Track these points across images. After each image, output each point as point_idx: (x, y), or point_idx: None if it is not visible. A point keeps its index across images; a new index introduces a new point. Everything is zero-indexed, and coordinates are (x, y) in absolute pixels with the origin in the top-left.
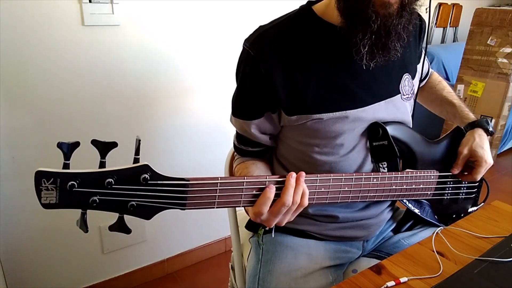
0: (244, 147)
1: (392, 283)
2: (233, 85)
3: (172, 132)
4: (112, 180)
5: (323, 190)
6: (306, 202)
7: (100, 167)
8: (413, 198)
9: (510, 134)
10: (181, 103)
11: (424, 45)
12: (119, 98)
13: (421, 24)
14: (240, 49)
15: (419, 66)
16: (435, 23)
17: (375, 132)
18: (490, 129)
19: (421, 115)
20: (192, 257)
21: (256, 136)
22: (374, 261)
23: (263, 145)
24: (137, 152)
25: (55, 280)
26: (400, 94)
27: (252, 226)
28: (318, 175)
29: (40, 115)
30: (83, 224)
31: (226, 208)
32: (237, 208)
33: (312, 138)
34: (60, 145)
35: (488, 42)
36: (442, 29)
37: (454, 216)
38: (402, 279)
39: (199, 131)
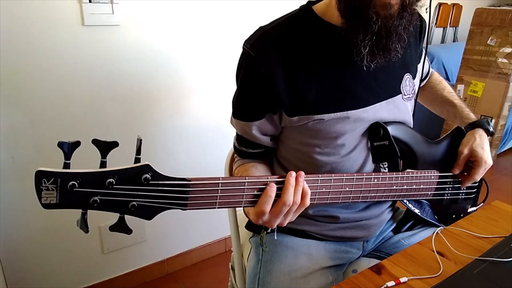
0: (245, 148)
1: (392, 283)
2: (233, 86)
3: (172, 132)
4: (113, 180)
5: (324, 190)
6: (307, 202)
7: (101, 167)
8: (413, 198)
9: (510, 134)
10: (181, 103)
11: (424, 45)
12: (119, 98)
13: (421, 24)
14: (240, 49)
15: (419, 66)
16: (435, 23)
17: (376, 132)
18: (491, 129)
19: (421, 115)
20: (192, 257)
21: (257, 138)
22: (374, 261)
23: (264, 147)
24: (138, 151)
25: (55, 280)
26: (401, 94)
27: (252, 226)
28: (319, 175)
29: (40, 115)
30: (84, 224)
31: (227, 209)
32: (237, 208)
33: (313, 138)
34: (60, 145)
35: (488, 42)
36: (442, 29)
37: (454, 216)
38: (402, 279)
39: (199, 131)
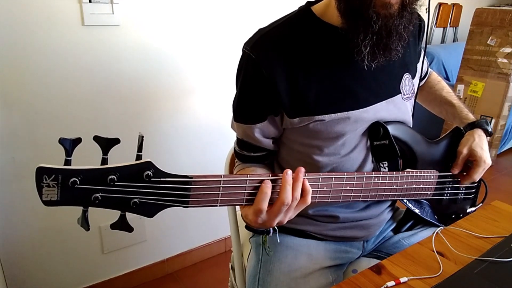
0: (246, 152)
1: (392, 283)
2: (233, 85)
3: (172, 132)
4: (114, 177)
5: (325, 189)
6: (309, 200)
7: (102, 164)
8: (413, 198)
9: (510, 134)
10: (181, 103)
11: (423, 44)
12: (119, 98)
13: (420, 24)
14: (240, 48)
15: (419, 65)
16: (435, 23)
17: (376, 131)
18: (490, 129)
19: (421, 115)
20: (192, 257)
21: (259, 141)
22: (374, 261)
23: (265, 150)
24: (139, 149)
25: (55, 280)
26: (400, 94)
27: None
28: (320, 174)
29: (40, 115)
30: (85, 222)
31: (227, 208)
32: (237, 208)
33: (314, 139)
34: (62, 141)
35: (488, 42)
36: (442, 29)
37: (453, 216)
38: (402, 279)
39: (199, 131)
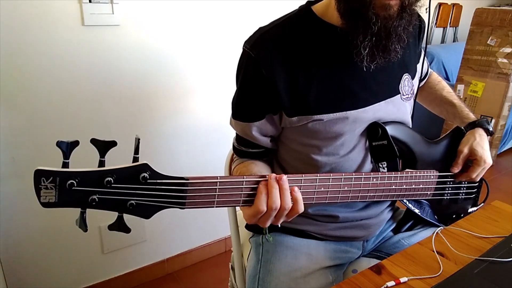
0: (244, 148)
1: (392, 283)
2: (233, 86)
3: (172, 132)
4: (111, 179)
5: (322, 189)
6: (300, 209)
7: (99, 166)
8: (413, 198)
9: (510, 134)
10: (181, 104)
11: (423, 45)
12: (119, 98)
13: (420, 24)
14: (240, 49)
15: (418, 66)
16: (435, 23)
17: (374, 132)
18: (490, 129)
19: (421, 115)
20: (192, 257)
21: (257, 139)
22: (374, 261)
23: (263, 147)
24: (136, 151)
25: (55, 280)
26: (400, 94)
27: (252, 226)
28: (318, 175)
29: (40, 115)
30: (83, 223)
31: (226, 208)
32: (237, 208)
33: (313, 139)
34: (59, 144)
35: (488, 42)
36: (442, 29)
37: (454, 216)
38: (402, 279)
39: (199, 131)
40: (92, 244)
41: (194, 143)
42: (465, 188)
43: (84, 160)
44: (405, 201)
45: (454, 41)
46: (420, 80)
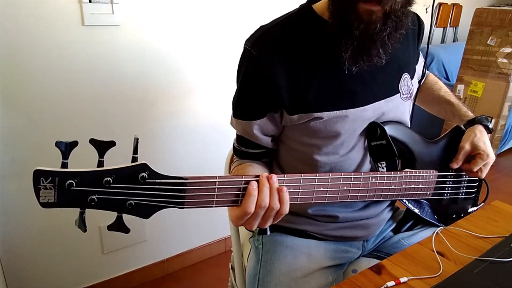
0: (245, 148)
1: (392, 283)
2: (234, 85)
3: (172, 132)
4: (110, 179)
5: (322, 189)
6: (285, 210)
7: (98, 166)
8: (412, 198)
9: (510, 134)
10: (181, 103)
11: (424, 45)
12: (119, 98)
13: (419, 25)
14: (240, 48)
15: (417, 67)
16: (435, 23)
17: (373, 131)
18: (490, 126)
19: (421, 115)
20: (192, 257)
21: (258, 138)
22: (374, 261)
23: (264, 147)
24: (135, 151)
25: (55, 280)
26: (399, 94)
27: None
28: (317, 175)
29: (40, 115)
30: (82, 224)
31: (226, 208)
32: None
33: (313, 138)
34: (58, 144)
35: (488, 42)
36: (442, 29)
37: (454, 216)
38: (402, 279)
39: (199, 131)
40: (92, 244)
41: (194, 143)
42: (465, 188)
43: (84, 160)
44: (404, 201)
45: (454, 41)
46: (419, 82)
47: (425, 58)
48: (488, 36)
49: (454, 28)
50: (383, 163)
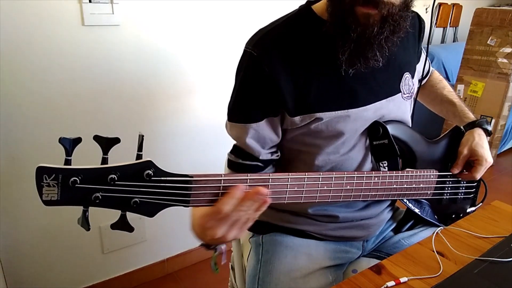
0: (235, 158)
1: (392, 283)
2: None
3: (172, 132)
4: (115, 176)
5: (325, 188)
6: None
7: (102, 163)
8: (413, 198)
9: (510, 134)
10: (181, 103)
11: (424, 44)
12: (119, 98)
13: (420, 25)
14: (240, 48)
15: (418, 66)
16: (435, 23)
17: (375, 131)
18: (489, 129)
19: (421, 115)
20: (192, 257)
21: (250, 147)
22: (374, 261)
23: (255, 159)
24: (140, 148)
25: (55, 280)
26: (400, 93)
27: (252, 226)
28: (321, 173)
29: (40, 115)
30: (85, 222)
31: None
32: None
33: (315, 138)
34: (62, 141)
35: (488, 42)
36: (442, 29)
37: (453, 216)
38: (402, 279)
39: (200, 131)
40: (92, 244)
41: (195, 143)
42: (464, 188)
43: (84, 159)
44: (405, 200)
45: (454, 41)
46: (422, 79)
47: (426, 57)
48: (488, 36)
49: (454, 28)
50: (385, 163)
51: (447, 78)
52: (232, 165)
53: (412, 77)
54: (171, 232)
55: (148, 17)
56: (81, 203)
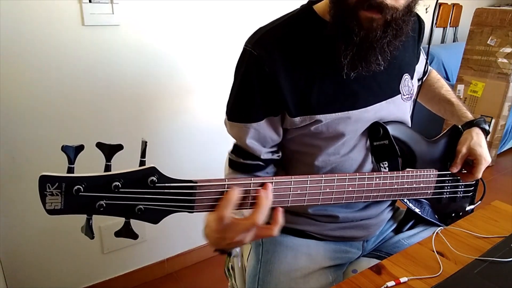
0: (236, 157)
1: (392, 283)
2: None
3: (173, 132)
4: (119, 184)
5: (328, 190)
6: (274, 233)
7: (105, 171)
8: (413, 198)
9: (510, 134)
10: (181, 104)
11: (424, 45)
12: (119, 98)
13: (420, 25)
14: (240, 48)
15: (417, 67)
16: (435, 23)
17: (375, 131)
18: (487, 128)
19: (421, 115)
20: (192, 257)
21: (250, 147)
22: (374, 261)
23: (256, 158)
24: (143, 154)
25: (55, 280)
26: (400, 94)
27: None
28: (323, 175)
29: (40, 115)
30: (89, 230)
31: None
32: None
33: (315, 139)
34: (64, 149)
35: (488, 42)
36: (442, 29)
37: (453, 215)
38: (402, 279)
39: (200, 131)
40: (92, 244)
41: (195, 143)
42: (463, 187)
43: (84, 159)
44: (405, 200)
45: (454, 41)
46: (420, 78)
47: (426, 57)
48: (488, 36)
49: (454, 28)
50: (385, 163)
51: (447, 78)
52: (233, 165)
53: (412, 78)
54: (171, 232)
55: (148, 17)
56: (85, 211)
